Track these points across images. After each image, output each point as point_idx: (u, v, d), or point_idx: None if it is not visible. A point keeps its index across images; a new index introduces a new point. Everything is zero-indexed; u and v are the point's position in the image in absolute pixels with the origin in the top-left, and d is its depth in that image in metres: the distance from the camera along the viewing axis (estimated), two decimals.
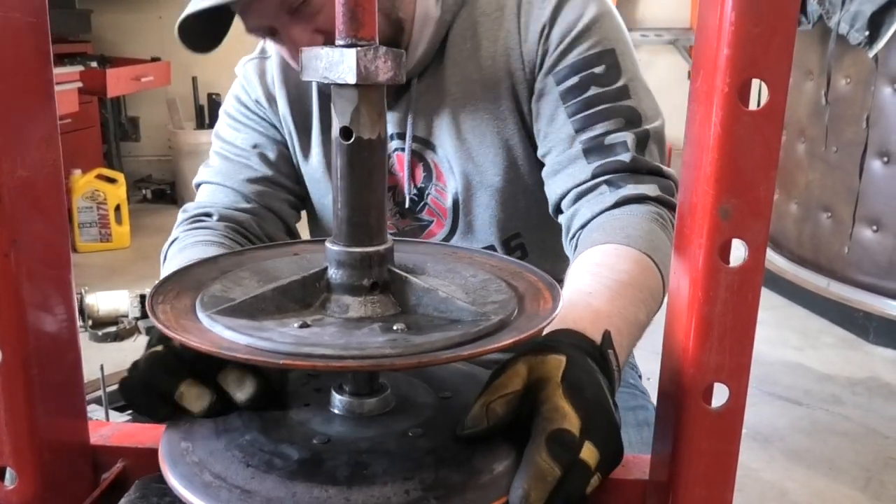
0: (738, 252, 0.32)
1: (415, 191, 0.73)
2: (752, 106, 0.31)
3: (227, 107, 0.78)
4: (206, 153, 0.80)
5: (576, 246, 0.61)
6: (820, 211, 2.29)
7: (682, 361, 0.33)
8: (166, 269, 0.64)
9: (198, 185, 0.76)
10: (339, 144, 0.33)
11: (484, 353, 0.30)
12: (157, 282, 0.37)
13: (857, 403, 1.74)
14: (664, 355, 0.36)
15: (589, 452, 0.31)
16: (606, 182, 0.61)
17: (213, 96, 3.22)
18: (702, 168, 0.31)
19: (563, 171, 0.64)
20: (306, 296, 0.34)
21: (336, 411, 0.36)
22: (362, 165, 0.34)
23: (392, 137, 0.72)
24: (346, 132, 0.33)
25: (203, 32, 0.64)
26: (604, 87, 0.63)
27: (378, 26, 0.33)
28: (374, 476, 0.30)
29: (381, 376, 0.37)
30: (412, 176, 0.72)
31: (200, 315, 0.32)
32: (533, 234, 0.74)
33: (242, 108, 0.76)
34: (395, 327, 0.32)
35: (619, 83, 0.63)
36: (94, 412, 1.30)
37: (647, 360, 0.73)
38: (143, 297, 2.04)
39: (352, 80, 0.32)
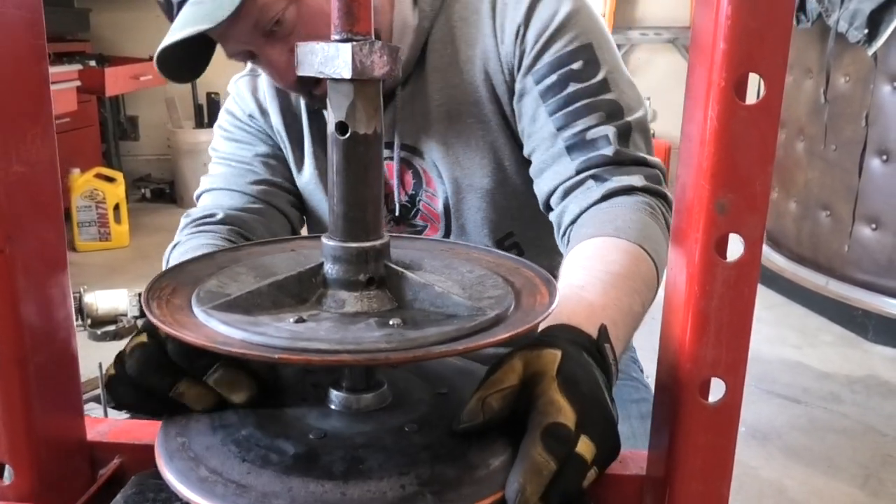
0: (734, 248, 0.32)
1: (406, 198, 0.74)
2: (749, 101, 0.31)
3: (222, 122, 0.79)
4: (205, 152, 0.80)
5: (568, 242, 0.61)
6: (819, 209, 2.29)
7: (679, 356, 0.33)
8: None
9: (198, 196, 0.76)
10: (334, 139, 0.33)
11: (479, 347, 0.30)
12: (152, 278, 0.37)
13: (856, 401, 1.74)
14: (661, 350, 0.36)
15: (585, 446, 0.31)
16: (592, 177, 0.62)
17: (212, 95, 3.22)
18: (698, 163, 0.31)
19: (549, 169, 0.65)
20: (302, 291, 0.34)
21: (333, 407, 0.36)
22: (358, 160, 0.33)
23: None
24: (341, 127, 0.33)
25: (184, 61, 0.65)
26: (582, 83, 0.63)
27: None
28: (370, 471, 0.30)
29: (378, 372, 0.37)
30: (402, 183, 0.73)
31: (196, 310, 0.32)
32: (526, 233, 0.75)
33: (238, 122, 0.77)
34: (391, 322, 0.32)
35: (598, 77, 0.63)
36: (93, 410, 1.30)
37: (648, 361, 0.73)
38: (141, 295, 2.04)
39: (347, 74, 0.32)
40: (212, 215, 0.70)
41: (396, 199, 0.73)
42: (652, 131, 3.42)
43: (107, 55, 3.16)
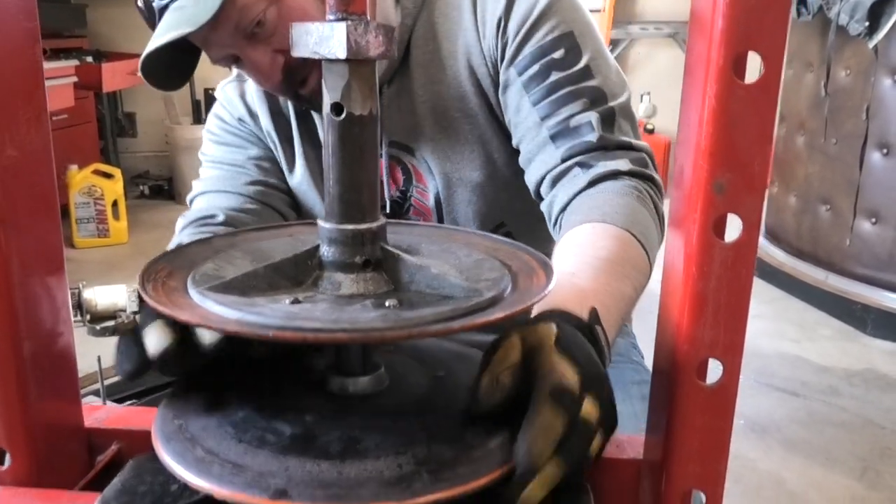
0: (732, 230, 0.32)
1: (398, 193, 0.74)
2: (748, 80, 0.30)
3: (211, 127, 0.78)
4: None
5: (559, 230, 0.62)
6: (819, 203, 2.29)
7: (677, 337, 0.33)
8: None
9: (191, 200, 0.75)
10: (330, 121, 0.33)
11: (476, 326, 0.29)
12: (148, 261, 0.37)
13: (854, 395, 1.74)
14: (658, 332, 0.36)
15: (590, 407, 0.31)
16: (578, 164, 0.62)
17: (210, 91, 3.20)
18: (697, 143, 0.31)
19: (535, 158, 0.65)
20: (298, 273, 0.34)
21: (330, 391, 0.36)
22: (353, 142, 0.33)
23: None
24: (336, 108, 0.33)
25: (170, 68, 0.65)
26: (565, 71, 0.63)
27: None
28: (366, 451, 0.30)
29: (375, 356, 0.37)
30: (393, 179, 0.73)
31: (191, 292, 0.32)
32: (518, 223, 0.75)
33: (227, 126, 0.77)
34: (387, 304, 0.32)
35: (581, 65, 0.63)
36: (92, 404, 1.30)
37: (648, 350, 0.73)
38: None
39: (342, 54, 0.31)
40: (212, 216, 0.70)
41: (387, 195, 0.74)
42: (651, 126, 3.44)
43: (104, 51, 3.15)
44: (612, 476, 0.40)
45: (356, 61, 0.32)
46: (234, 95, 0.77)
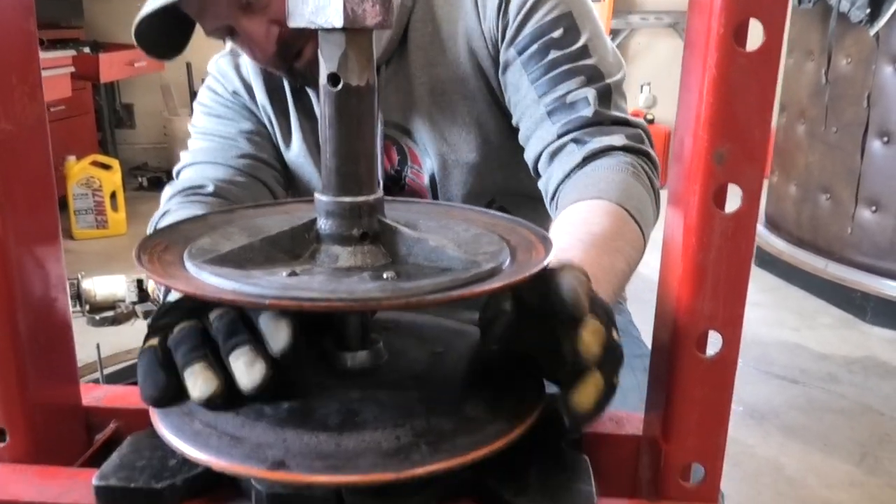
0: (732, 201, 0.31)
1: (392, 172, 0.74)
2: (749, 48, 0.30)
3: (203, 99, 0.77)
4: None
5: (556, 208, 0.62)
6: (819, 192, 2.28)
7: (676, 309, 0.33)
8: None
9: (178, 172, 0.74)
10: (326, 92, 0.33)
11: (474, 294, 0.29)
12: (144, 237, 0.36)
13: (854, 382, 1.74)
14: (658, 304, 0.35)
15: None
16: (573, 140, 0.62)
17: None
18: (696, 112, 0.31)
19: (533, 135, 0.65)
20: (295, 246, 0.34)
21: (329, 365, 0.36)
22: (350, 113, 0.33)
23: None
24: (333, 78, 0.32)
25: (164, 37, 0.64)
26: (563, 50, 0.64)
27: None
28: (364, 423, 0.30)
29: (374, 331, 0.37)
30: (388, 158, 0.73)
31: (188, 265, 0.32)
32: (511, 203, 0.75)
33: (220, 99, 0.76)
34: (384, 276, 0.32)
35: (579, 44, 0.64)
36: None
37: (645, 338, 0.73)
38: (139, 281, 2.05)
39: (339, 23, 0.31)
40: (201, 186, 0.69)
41: (381, 173, 0.73)
42: (651, 116, 3.42)
43: (101, 42, 3.13)
44: (611, 452, 0.40)
45: (353, 30, 0.32)
46: (229, 69, 0.76)
